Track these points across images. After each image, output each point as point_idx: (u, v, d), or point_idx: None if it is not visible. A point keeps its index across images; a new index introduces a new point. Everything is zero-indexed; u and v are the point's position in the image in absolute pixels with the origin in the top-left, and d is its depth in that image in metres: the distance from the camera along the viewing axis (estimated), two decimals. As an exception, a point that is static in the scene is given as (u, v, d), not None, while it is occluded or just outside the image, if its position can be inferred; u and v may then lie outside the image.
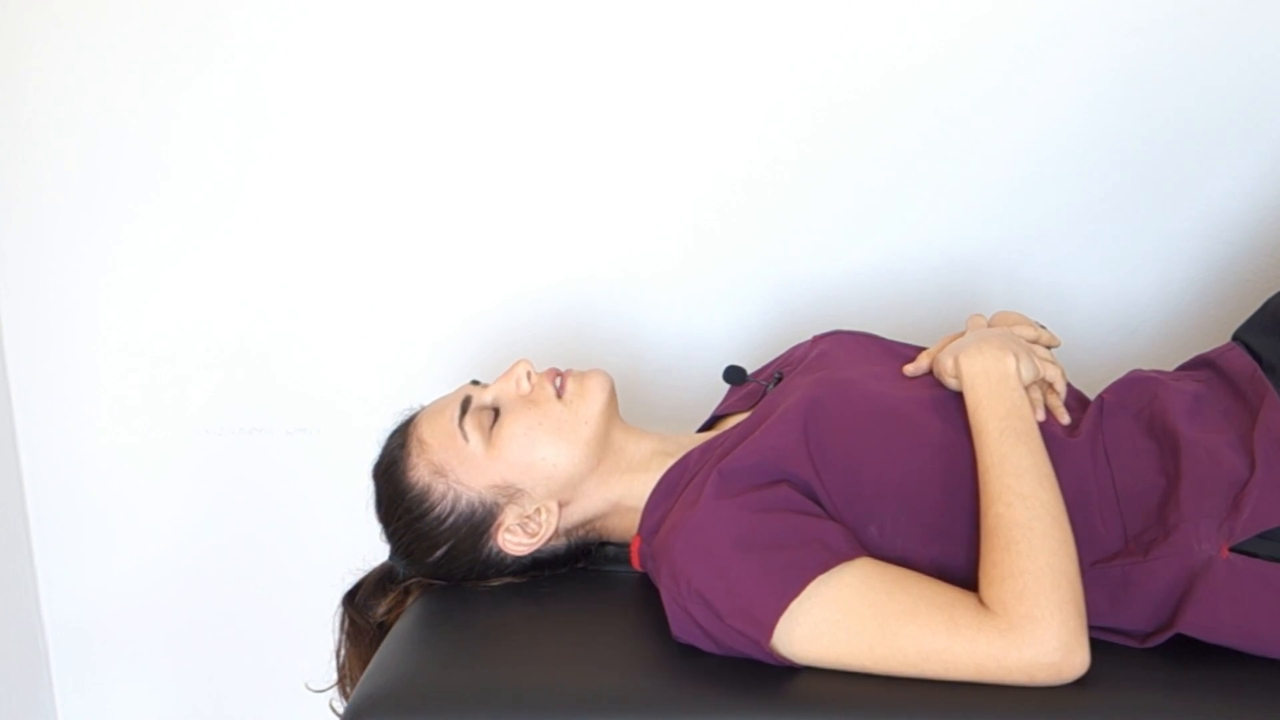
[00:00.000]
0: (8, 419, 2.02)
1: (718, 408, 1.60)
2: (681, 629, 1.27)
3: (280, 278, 1.97)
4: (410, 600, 1.45)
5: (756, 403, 1.49)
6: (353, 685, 1.47)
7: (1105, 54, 1.84)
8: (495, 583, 1.44)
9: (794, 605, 1.20)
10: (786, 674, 1.22)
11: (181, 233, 1.95)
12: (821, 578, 1.21)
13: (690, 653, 1.27)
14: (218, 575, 2.08)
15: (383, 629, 1.46)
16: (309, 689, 1.54)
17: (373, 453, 1.47)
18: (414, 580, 1.46)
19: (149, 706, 2.14)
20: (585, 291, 1.94)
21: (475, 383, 1.46)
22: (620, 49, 1.87)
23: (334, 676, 1.50)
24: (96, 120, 1.91)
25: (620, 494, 1.42)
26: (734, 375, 1.58)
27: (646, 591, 1.38)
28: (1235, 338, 1.45)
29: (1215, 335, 1.74)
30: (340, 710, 1.47)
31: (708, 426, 1.57)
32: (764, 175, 1.90)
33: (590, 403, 1.41)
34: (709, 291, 1.95)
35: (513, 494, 1.40)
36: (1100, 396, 1.39)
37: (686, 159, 1.90)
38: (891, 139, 1.88)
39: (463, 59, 1.88)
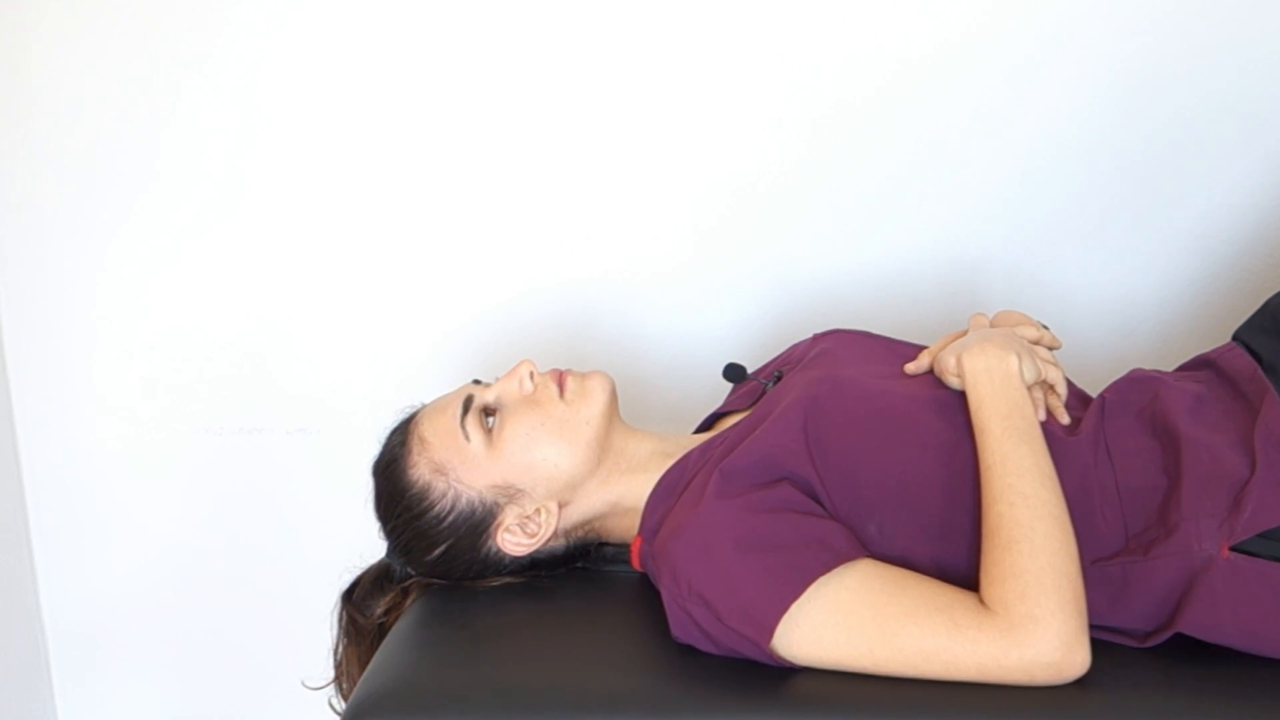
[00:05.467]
0: (8, 419, 2.02)
1: (719, 407, 1.60)
2: (681, 630, 1.27)
3: (280, 277, 1.97)
4: (409, 601, 1.45)
5: (756, 401, 1.49)
6: (350, 683, 1.47)
7: (1106, 55, 1.84)
8: (494, 583, 1.44)
9: (794, 607, 1.20)
10: (786, 674, 1.22)
11: (181, 232, 1.95)
12: (822, 579, 1.21)
13: (690, 653, 1.26)
14: (217, 575, 2.08)
15: (382, 628, 1.46)
16: (305, 686, 1.54)
17: (373, 453, 1.47)
18: (413, 580, 1.46)
19: (149, 706, 2.14)
20: (586, 291, 1.94)
21: (477, 382, 1.47)
22: (620, 51, 1.87)
23: (332, 675, 1.50)
24: (95, 120, 1.91)
25: (620, 494, 1.42)
26: (734, 373, 1.58)
27: (646, 591, 1.38)
28: (1235, 338, 1.45)
29: (1215, 335, 1.74)
30: (339, 707, 1.48)
31: (707, 425, 1.57)
32: (765, 175, 1.90)
33: (591, 403, 1.41)
34: (709, 291, 1.95)
35: (513, 494, 1.40)
36: (1101, 396, 1.39)
37: (687, 159, 1.90)
38: (892, 139, 1.88)
39: (463, 60, 1.88)
